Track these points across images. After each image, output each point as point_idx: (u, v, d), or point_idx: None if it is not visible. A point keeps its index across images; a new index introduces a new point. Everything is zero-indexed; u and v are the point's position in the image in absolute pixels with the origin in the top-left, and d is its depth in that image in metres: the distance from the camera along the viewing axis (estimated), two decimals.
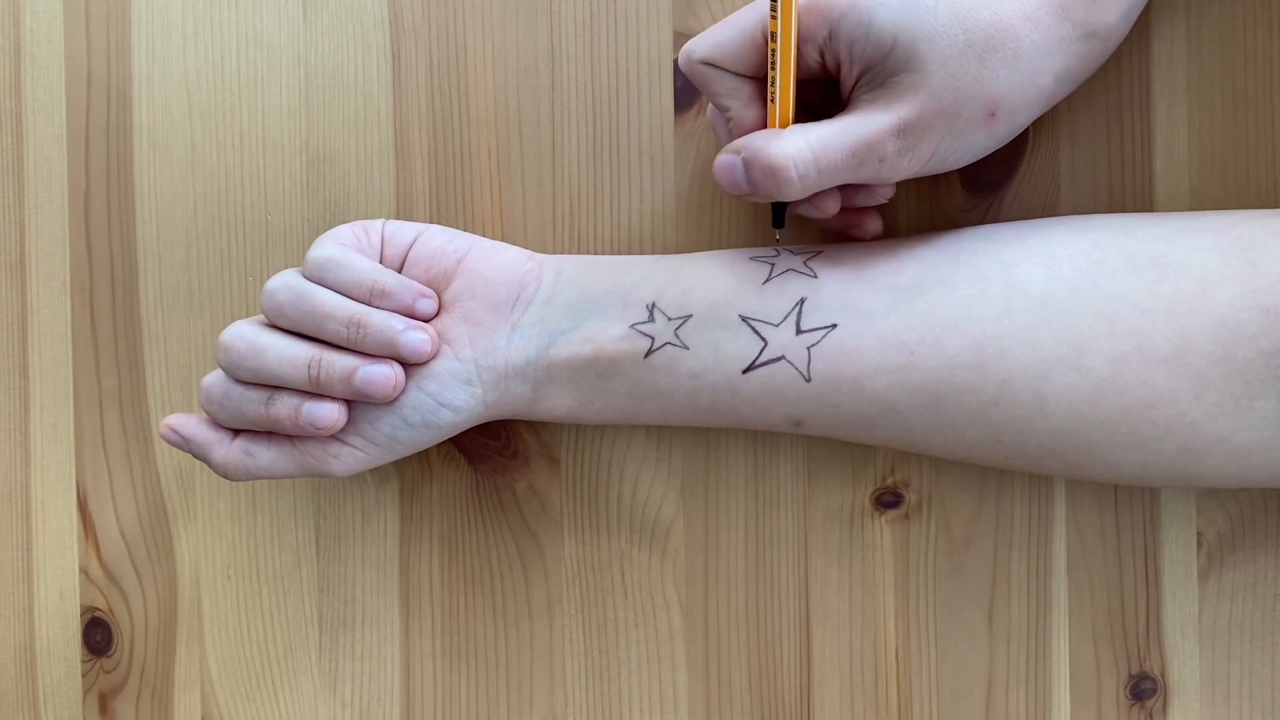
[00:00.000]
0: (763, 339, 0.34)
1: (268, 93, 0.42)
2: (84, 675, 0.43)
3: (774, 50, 0.33)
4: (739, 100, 0.34)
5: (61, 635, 0.43)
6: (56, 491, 0.43)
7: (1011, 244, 0.34)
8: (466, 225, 0.41)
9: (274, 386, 0.35)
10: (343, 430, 0.36)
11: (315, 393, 0.35)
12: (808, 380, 0.34)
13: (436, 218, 0.41)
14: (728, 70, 0.34)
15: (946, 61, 0.31)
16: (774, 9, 0.32)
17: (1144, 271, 0.32)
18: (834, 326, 0.34)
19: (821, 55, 0.33)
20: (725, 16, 0.39)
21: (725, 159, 0.34)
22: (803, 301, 0.34)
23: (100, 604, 0.43)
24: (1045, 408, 0.32)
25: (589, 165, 0.40)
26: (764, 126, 0.34)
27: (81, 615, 0.43)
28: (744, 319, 0.34)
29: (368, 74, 0.41)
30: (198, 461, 0.42)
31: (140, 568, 0.43)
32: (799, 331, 0.34)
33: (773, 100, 0.33)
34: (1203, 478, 0.32)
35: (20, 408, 0.43)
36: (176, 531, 0.43)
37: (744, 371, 0.34)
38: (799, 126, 0.33)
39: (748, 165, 0.33)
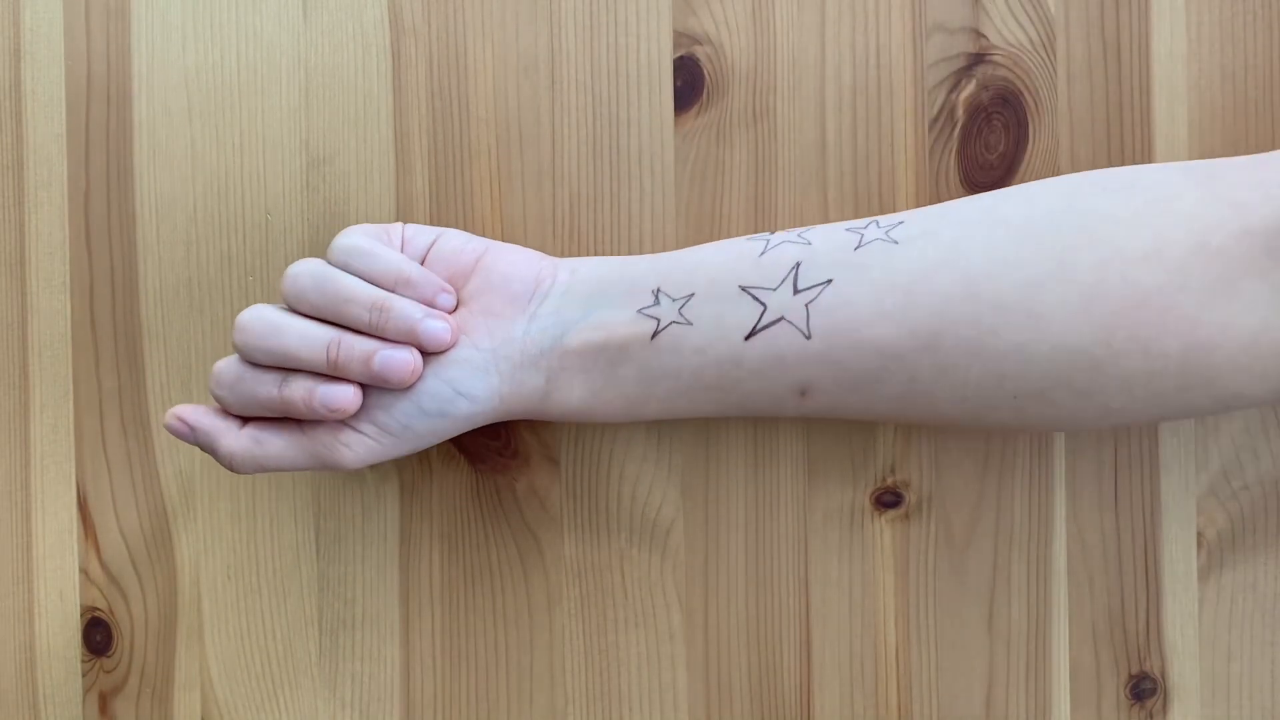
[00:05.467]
0: (761, 304, 0.34)
1: (268, 93, 0.42)
2: (84, 675, 0.43)
3: None
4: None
5: (61, 635, 0.43)
6: (56, 491, 0.43)
7: (994, 195, 0.35)
8: (466, 225, 0.41)
9: (289, 370, 0.35)
10: (355, 418, 0.36)
11: (331, 376, 0.35)
12: (808, 337, 0.34)
13: (436, 218, 0.41)
14: None
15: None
16: None
17: (1115, 192, 0.33)
18: (829, 282, 0.34)
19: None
20: (725, 16, 0.39)
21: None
22: (798, 265, 0.35)
23: (100, 604, 0.43)
24: (1041, 326, 0.32)
25: (589, 165, 0.40)
26: None
27: (81, 615, 0.43)
28: (743, 289, 0.35)
29: (368, 74, 0.41)
30: (198, 462, 0.42)
31: (140, 568, 0.43)
32: (796, 291, 0.34)
33: None
34: (1220, 382, 0.32)
35: (20, 408, 0.43)
36: (176, 531, 0.43)
37: (746, 338, 0.35)
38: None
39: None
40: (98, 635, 0.43)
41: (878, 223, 0.35)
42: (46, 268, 0.43)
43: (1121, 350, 0.32)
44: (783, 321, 0.34)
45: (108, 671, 0.43)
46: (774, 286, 0.35)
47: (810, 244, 0.35)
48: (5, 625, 0.44)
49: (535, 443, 0.41)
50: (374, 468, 0.42)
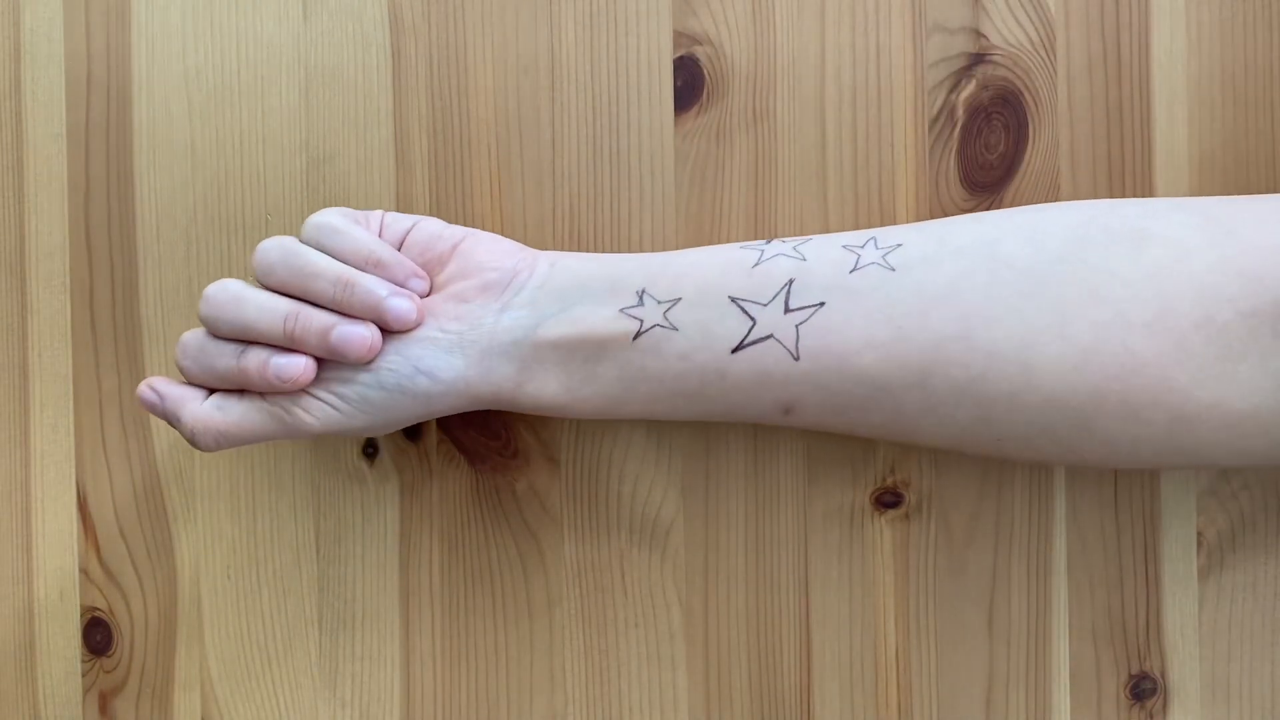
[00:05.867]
0: (751, 318, 0.34)
1: (268, 93, 0.42)
2: (84, 675, 0.43)
3: None
4: None
5: (61, 635, 0.43)
6: (56, 491, 0.43)
7: (997, 223, 0.34)
8: (466, 225, 0.41)
9: (250, 342, 0.35)
10: (315, 386, 0.35)
11: (289, 348, 0.35)
12: (796, 359, 0.34)
13: (436, 217, 0.41)
14: None
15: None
16: None
17: (1124, 244, 0.32)
18: (822, 305, 0.34)
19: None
20: (725, 16, 0.39)
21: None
22: (791, 282, 0.34)
23: (100, 604, 0.43)
24: (1032, 380, 0.32)
25: (589, 165, 0.40)
26: None
27: (81, 615, 0.43)
28: (733, 300, 0.34)
29: (368, 74, 0.41)
30: (198, 462, 0.42)
31: (140, 568, 0.43)
32: (787, 310, 0.34)
33: None
34: (1200, 453, 0.32)
35: (20, 408, 0.43)
36: (176, 531, 0.43)
37: (733, 351, 0.34)
38: None
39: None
40: (98, 635, 0.43)
41: (875, 242, 0.35)
42: (46, 268, 0.43)
43: (1110, 413, 0.32)
44: (771, 339, 0.34)
45: (108, 671, 0.43)
46: (765, 302, 0.34)
47: (805, 260, 0.35)
48: (5, 625, 0.44)
49: (535, 443, 0.41)
50: (374, 467, 0.42)
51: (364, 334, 0.34)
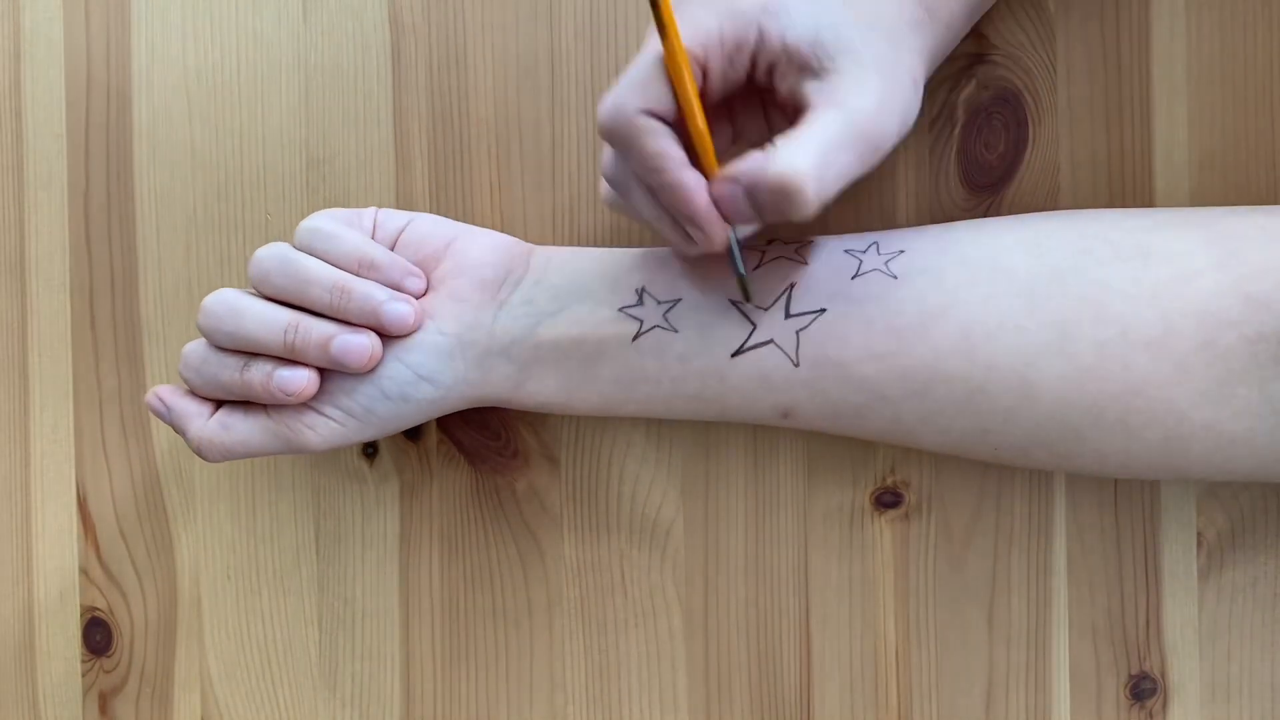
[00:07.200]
0: (751, 323, 0.34)
1: (268, 93, 0.42)
2: (84, 675, 0.43)
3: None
4: (674, 159, 0.31)
5: (61, 635, 0.43)
6: (56, 491, 0.43)
7: (1000, 234, 0.34)
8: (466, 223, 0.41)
9: (252, 354, 0.35)
10: (318, 400, 0.35)
11: (291, 360, 0.35)
12: (796, 365, 0.34)
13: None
14: (666, 120, 0.31)
15: (868, 43, 0.31)
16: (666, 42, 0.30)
17: (1129, 260, 0.32)
18: (823, 311, 0.34)
19: (753, 63, 0.31)
20: None
21: (726, 188, 0.31)
22: (792, 287, 0.34)
23: (100, 604, 0.43)
24: (1032, 394, 0.32)
25: (589, 165, 0.40)
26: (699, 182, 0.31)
27: (81, 615, 0.43)
28: (733, 303, 0.34)
29: (368, 74, 0.41)
30: (197, 462, 0.42)
31: (140, 568, 0.43)
32: (788, 316, 0.34)
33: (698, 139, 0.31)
34: (1190, 468, 0.32)
35: (20, 408, 0.43)
36: (176, 531, 0.43)
37: (732, 355, 0.34)
38: (790, 139, 0.30)
39: (752, 190, 0.30)
40: (98, 635, 0.43)
41: (878, 247, 0.34)
42: (46, 268, 0.43)
43: (1107, 429, 0.32)
44: (771, 345, 0.34)
45: (108, 671, 0.43)
46: (765, 306, 0.34)
47: (806, 263, 0.35)
48: (5, 625, 0.44)
49: (535, 443, 0.41)
50: (374, 467, 0.42)
51: (364, 343, 0.34)
